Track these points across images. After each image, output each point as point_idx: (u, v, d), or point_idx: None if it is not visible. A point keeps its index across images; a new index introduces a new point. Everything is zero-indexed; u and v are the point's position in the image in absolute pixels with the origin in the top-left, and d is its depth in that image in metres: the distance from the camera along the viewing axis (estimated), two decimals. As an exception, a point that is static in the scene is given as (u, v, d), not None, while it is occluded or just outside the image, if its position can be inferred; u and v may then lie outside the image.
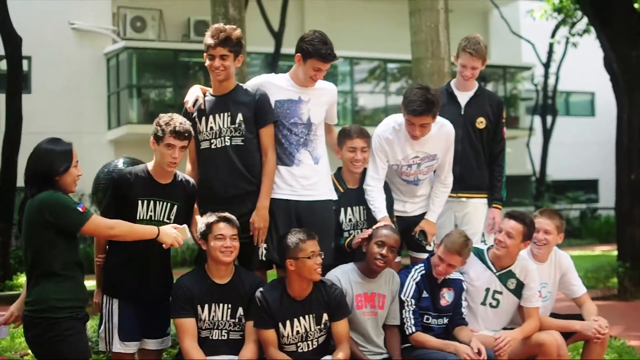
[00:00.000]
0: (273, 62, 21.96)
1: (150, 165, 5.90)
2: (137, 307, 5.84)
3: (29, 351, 7.73)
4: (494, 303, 6.49)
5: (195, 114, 6.14)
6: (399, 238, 6.23)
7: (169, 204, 5.88)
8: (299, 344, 5.89)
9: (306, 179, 6.23)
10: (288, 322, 5.84)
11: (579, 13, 21.37)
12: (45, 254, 5.06)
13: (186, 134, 5.74)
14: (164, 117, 5.78)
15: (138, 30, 24.04)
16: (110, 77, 24.26)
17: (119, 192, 5.79)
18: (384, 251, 6.10)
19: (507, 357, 6.15)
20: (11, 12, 14.25)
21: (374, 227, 6.28)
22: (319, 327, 5.93)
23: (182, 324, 5.74)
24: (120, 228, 5.30)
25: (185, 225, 5.62)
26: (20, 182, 15.62)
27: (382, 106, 28.12)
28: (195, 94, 6.22)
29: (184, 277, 5.91)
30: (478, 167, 6.99)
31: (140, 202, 5.78)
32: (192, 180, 6.08)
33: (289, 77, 6.32)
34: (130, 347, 5.88)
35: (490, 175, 7.08)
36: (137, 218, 5.75)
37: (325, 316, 5.93)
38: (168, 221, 5.84)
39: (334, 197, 6.41)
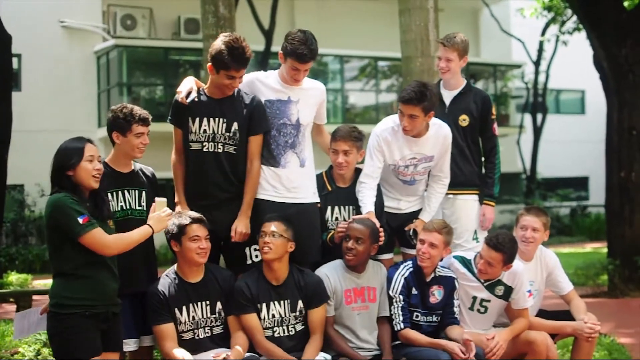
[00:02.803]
0: (263, 61, 21.98)
1: (108, 159, 5.90)
2: (129, 304, 5.79)
3: (20, 349, 7.74)
4: (482, 309, 6.48)
5: (188, 113, 6.06)
6: (368, 228, 6.16)
7: (137, 191, 5.92)
8: (275, 329, 5.94)
9: (291, 181, 6.21)
10: (265, 305, 5.91)
11: (569, 11, 21.43)
12: (53, 254, 5.16)
13: (149, 118, 5.86)
14: (122, 110, 5.80)
15: (128, 29, 24.04)
16: (101, 75, 24.27)
17: None
18: (349, 244, 6.13)
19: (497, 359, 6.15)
20: (0, 10, 14.21)
21: (349, 221, 6.30)
22: (293, 314, 5.99)
23: (161, 330, 5.72)
24: (117, 246, 5.23)
25: (159, 199, 5.55)
26: (10, 180, 15.57)
27: (372, 104, 28.21)
28: (189, 85, 6.11)
29: (156, 284, 5.85)
30: (463, 164, 6.98)
31: (110, 194, 5.76)
32: (150, 169, 6.14)
33: (277, 76, 6.28)
34: (129, 345, 5.83)
35: (482, 171, 7.10)
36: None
37: (300, 303, 6.00)
38: (140, 207, 5.90)
39: (317, 199, 6.40)
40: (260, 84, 6.25)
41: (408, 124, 6.36)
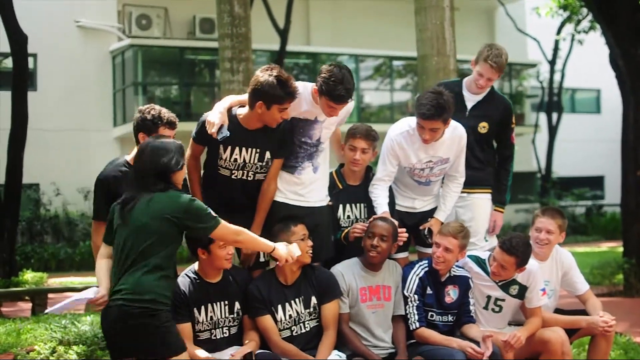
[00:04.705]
0: (278, 60, 21.98)
1: (130, 158, 5.86)
2: None
3: (35, 347, 7.74)
4: (497, 309, 6.49)
5: (218, 140, 5.90)
6: (391, 227, 6.19)
7: None
8: (293, 328, 5.96)
9: (305, 186, 6.19)
10: (280, 307, 5.92)
11: (585, 10, 21.36)
12: (158, 248, 5.00)
13: (176, 122, 5.82)
14: (150, 111, 5.75)
15: (143, 28, 24.09)
16: (116, 74, 24.34)
17: (108, 192, 5.71)
18: (374, 242, 6.13)
19: (512, 356, 6.14)
20: (17, 10, 14.28)
21: (369, 220, 6.31)
22: (307, 310, 6.00)
23: (179, 330, 5.66)
24: (245, 236, 5.34)
25: (295, 243, 5.66)
26: (26, 179, 15.64)
27: (387, 103, 28.16)
28: (221, 118, 5.87)
29: (175, 283, 5.75)
30: (478, 164, 6.95)
31: None
32: None
33: (308, 95, 6.05)
34: None
35: (496, 178, 7.09)
36: None
37: (314, 299, 6.01)
38: None
39: (327, 201, 6.39)
40: (299, 98, 6.01)
41: (430, 137, 6.32)
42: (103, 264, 5.29)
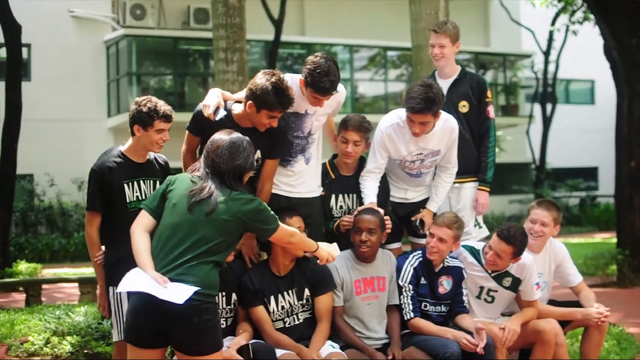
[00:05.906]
0: (273, 50, 21.95)
1: (124, 148, 5.83)
2: None
3: (30, 338, 7.74)
4: (489, 299, 6.49)
5: (210, 133, 5.62)
6: (377, 218, 6.17)
7: (151, 181, 5.86)
8: (285, 319, 5.95)
9: (297, 177, 6.23)
10: (273, 298, 5.90)
11: (579, 1, 21.34)
12: (225, 246, 4.95)
13: (172, 115, 5.75)
14: (146, 103, 5.68)
15: (137, 18, 24.05)
16: (110, 64, 24.33)
17: (103, 182, 5.70)
18: (362, 236, 6.12)
19: (506, 351, 6.15)
20: (10, 0, 14.24)
21: (355, 212, 6.30)
22: (300, 302, 5.99)
23: None
24: (298, 237, 5.35)
25: (335, 243, 5.68)
26: (20, 170, 15.59)
27: (381, 94, 28.17)
28: (216, 100, 5.87)
29: None
30: (466, 150, 6.92)
31: (126, 185, 5.73)
32: (163, 157, 6.05)
33: (297, 88, 6.03)
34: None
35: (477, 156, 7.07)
36: (127, 201, 5.70)
37: (307, 291, 6.00)
38: None
39: (320, 192, 6.41)
40: None
41: (419, 130, 6.31)
42: (145, 240, 5.01)
